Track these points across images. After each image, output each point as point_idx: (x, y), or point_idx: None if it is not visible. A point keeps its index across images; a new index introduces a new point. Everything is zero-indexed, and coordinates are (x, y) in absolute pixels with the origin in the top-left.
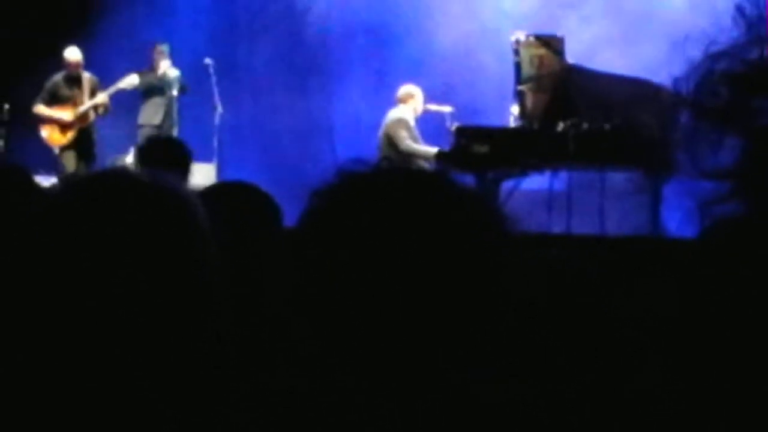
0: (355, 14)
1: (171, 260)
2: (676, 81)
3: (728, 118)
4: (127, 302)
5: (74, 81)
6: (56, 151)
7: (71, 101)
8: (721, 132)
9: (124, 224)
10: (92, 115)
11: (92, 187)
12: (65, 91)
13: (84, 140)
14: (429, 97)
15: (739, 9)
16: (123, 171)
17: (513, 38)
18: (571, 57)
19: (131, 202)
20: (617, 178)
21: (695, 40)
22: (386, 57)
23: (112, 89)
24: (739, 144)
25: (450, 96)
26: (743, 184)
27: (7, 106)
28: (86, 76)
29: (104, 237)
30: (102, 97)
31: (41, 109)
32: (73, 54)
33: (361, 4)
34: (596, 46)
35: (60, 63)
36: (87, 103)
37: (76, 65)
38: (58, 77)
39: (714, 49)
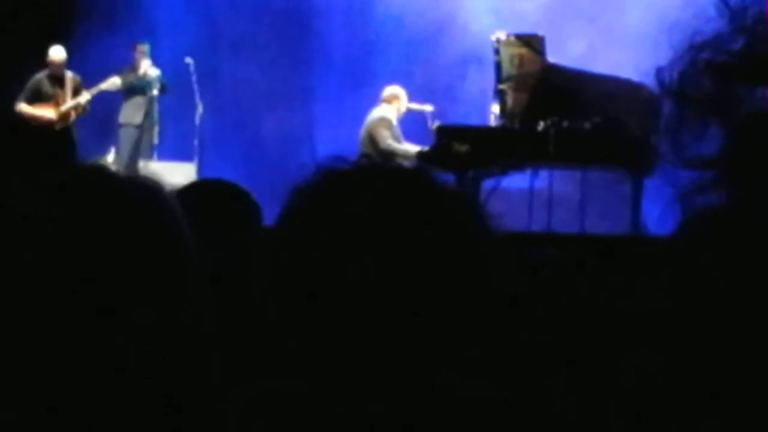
0: (337, 15)
1: (148, 259)
2: (659, 71)
3: (712, 108)
4: (104, 302)
5: (57, 80)
6: None
7: (53, 100)
8: (704, 121)
9: (101, 222)
10: (73, 115)
11: (69, 184)
12: (48, 90)
13: (65, 140)
14: (410, 97)
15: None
16: (100, 169)
17: (493, 37)
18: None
19: (108, 200)
20: (598, 176)
21: (679, 30)
22: (368, 57)
23: (95, 90)
24: (722, 134)
25: (432, 96)
26: (726, 173)
27: None
28: (69, 75)
29: (80, 236)
30: (85, 97)
31: (24, 107)
32: (57, 53)
33: (343, 6)
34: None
35: (41, 63)
36: (69, 103)
37: (60, 65)
38: (41, 76)
39: (698, 39)
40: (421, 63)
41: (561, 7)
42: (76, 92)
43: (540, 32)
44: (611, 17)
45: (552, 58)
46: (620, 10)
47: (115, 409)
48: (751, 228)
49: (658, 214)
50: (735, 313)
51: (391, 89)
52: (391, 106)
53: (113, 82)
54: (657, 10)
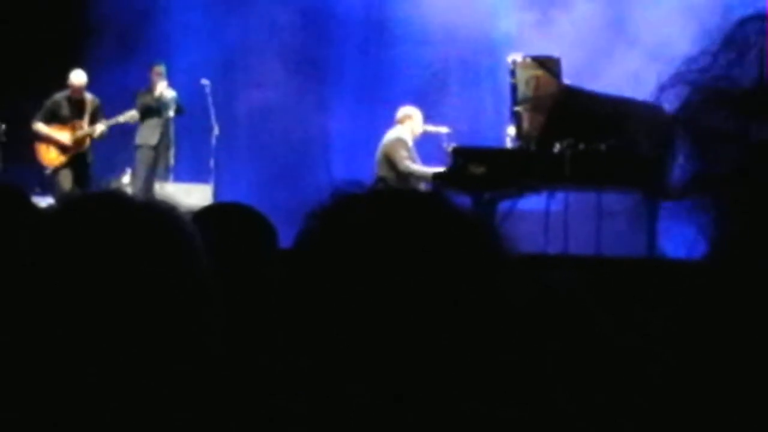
0: (352, 33)
1: (164, 282)
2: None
3: (724, 139)
4: (120, 323)
5: (76, 103)
6: (49, 170)
7: (70, 123)
8: (717, 151)
9: (117, 246)
10: (88, 141)
11: (86, 208)
12: (66, 112)
13: (79, 161)
14: (425, 117)
15: (734, 31)
16: (117, 193)
17: (510, 59)
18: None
19: (125, 224)
20: (614, 198)
21: (691, 61)
22: (383, 75)
23: (112, 121)
24: (734, 163)
25: (447, 116)
26: (740, 206)
27: (3, 126)
28: (88, 98)
29: (98, 258)
30: (100, 128)
31: (40, 126)
32: (78, 78)
33: (358, 21)
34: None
35: (57, 82)
36: (86, 129)
37: (80, 89)
38: (60, 97)
39: (709, 72)
40: (438, 84)
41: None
42: (94, 116)
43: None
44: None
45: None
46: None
47: (124, 425)
48: None
49: (675, 237)
50: (756, 342)
51: (405, 109)
52: (405, 127)
53: (132, 116)
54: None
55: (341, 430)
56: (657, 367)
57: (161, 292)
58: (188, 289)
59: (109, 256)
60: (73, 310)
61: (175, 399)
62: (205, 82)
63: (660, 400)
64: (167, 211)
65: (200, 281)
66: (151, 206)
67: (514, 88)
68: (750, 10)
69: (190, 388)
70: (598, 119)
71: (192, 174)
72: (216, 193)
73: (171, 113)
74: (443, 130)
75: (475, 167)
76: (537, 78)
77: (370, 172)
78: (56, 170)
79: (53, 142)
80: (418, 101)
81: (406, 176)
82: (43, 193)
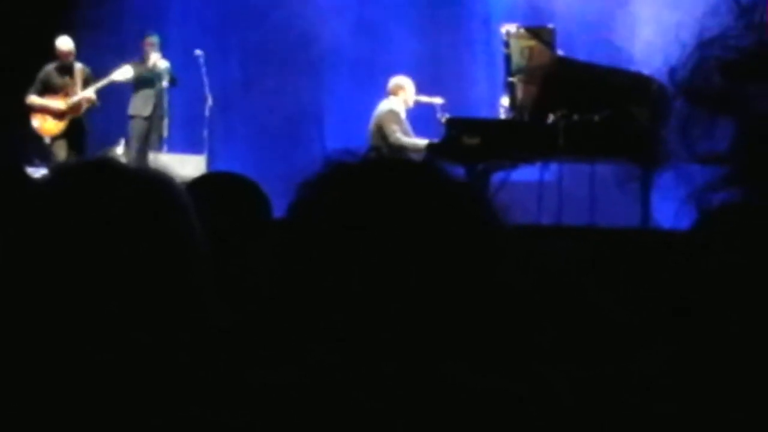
0: (346, 3)
1: (156, 250)
2: (671, 71)
3: (722, 105)
4: (113, 292)
5: (66, 70)
6: (48, 141)
7: (63, 91)
8: (715, 117)
9: (109, 213)
10: (84, 106)
11: (78, 176)
12: (57, 81)
13: (75, 130)
14: (419, 88)
15: None
16: (109, 161)
17: (503, 30)
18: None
19: (117, 192)
20: (608, 169)
21: (688, 26)
22: (376, 46)
23: (106, 81)
24: (733, 129)
25: (440, 87)
26: (740, 169)
27: None
28: (78, 66)
29: (90, 226)
30: (95, 87)
31: (34, 99)
32: (64, 43)
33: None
34: None
35: (49, 53)
36: (79, 93)
37: (68, 54)
38: (50, 67)
39: (707, 35)
40: (431, 55)
41: None
42: (86, 84)
43: None
44: None
45: None
46: None
47: (113, 400)
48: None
49: (673, 212)
50: (749, 309)
51: (396, 80)
52: (398, 98)
53: (124, 72)
54: None
55: (331, 400)
56: (653, 338)
57: (154, 260)
58: (182, 257)
59: (101, 223)
60: (65, 279)
61: (165, 366)
62: (198, 52)
63: (654, 372)
64: (159, 179)
65: (192, 249)
66: (143, 174)
67: (507, 59)
68: None
69: (180, 358)
70: (592, 90)
71: (186, 145)
72: (210, 164)
73: (164, 84)
74: (437, 100)
75: (469, 138)
76: (531, 48)
77: (364, 142)
78: (53, 140)
79: (49, 112)
80: (412, 72)
81: (397, 149)
82: (39, 164)
